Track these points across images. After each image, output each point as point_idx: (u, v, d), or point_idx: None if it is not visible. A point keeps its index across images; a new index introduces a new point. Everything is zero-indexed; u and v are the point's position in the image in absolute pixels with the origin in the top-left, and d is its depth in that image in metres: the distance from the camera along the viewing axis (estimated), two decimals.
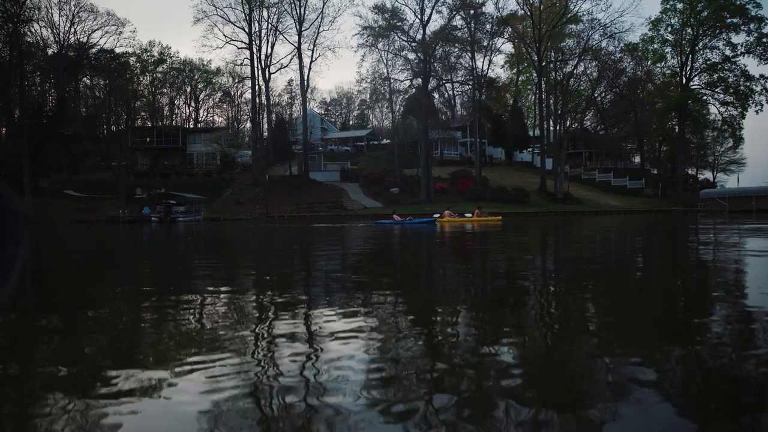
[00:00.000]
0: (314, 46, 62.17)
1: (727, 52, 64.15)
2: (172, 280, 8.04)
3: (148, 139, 66.74)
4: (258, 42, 61.87)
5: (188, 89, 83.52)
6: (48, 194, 51.87)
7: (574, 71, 60.61)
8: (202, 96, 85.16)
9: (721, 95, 66.25)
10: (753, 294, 5.66)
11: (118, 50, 70.45)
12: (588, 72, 62.44)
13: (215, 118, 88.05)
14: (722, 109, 66.98)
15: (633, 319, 4.43)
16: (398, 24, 56.93)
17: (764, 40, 61.52)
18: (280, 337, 3.80)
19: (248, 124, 75.78)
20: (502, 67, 72.67)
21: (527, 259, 10.70)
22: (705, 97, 67.80)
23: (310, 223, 34.46)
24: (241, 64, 63.97)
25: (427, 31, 57.05)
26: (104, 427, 2.26)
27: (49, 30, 67.77)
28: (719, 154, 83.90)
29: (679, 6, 64.09)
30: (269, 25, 61.99)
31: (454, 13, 56.83)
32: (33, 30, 62.95)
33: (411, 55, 58.05)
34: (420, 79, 57.08)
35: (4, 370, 3.26)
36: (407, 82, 59.85)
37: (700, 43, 64.70)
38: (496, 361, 3.18)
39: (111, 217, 47.32)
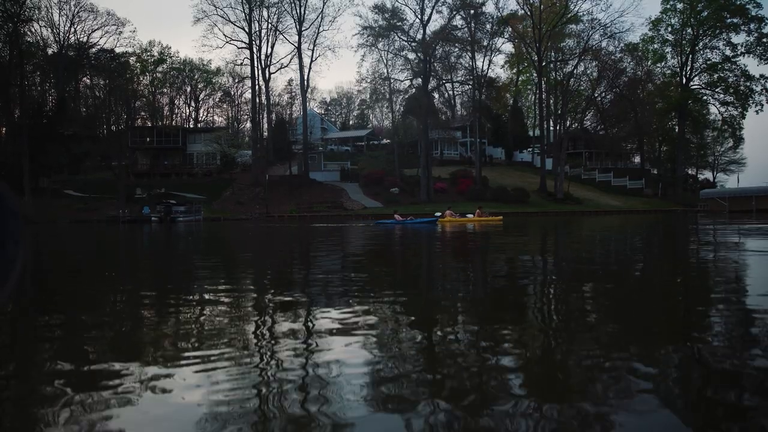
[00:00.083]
0: (314, 46, 62.26)
1: (727, 52, 64.23)
2: (171, 280, 8.04)
3: (148, 139, 66.74)
4: (258, 42, 61.94)
5: (188, 89, 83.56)
6: (48, 194, 51.88)
7: (574, 71, 60.65)
8: (202, 96, 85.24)
9: (721, 95, 66.30)
10: (753, 294, 5.65)
11: (118, 50, 70.61)
12: (588, 72, 62.50)
13: (215, 118, 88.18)
14: (722, 109, 67.07)
15: (633, 319, 4.42)
16: (398, 24, 56.93)
17: (764, 40, 61.52)
18: (281, 337, 3.80)
19: (248, 124, 75.87)
20: (502, 67, 72.81)
21: (529, 259, 10.70)
22: (705, 97, 67.84)
23: (310, 223, 34.46)
24: (241, 64, 64.06)
25: (427, 31, 57.10)
26: (104, 427, 2.26)
27: (49, 30, 67.89)
28: (719, 154, 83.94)
29: (680, 6, 64.12)
30: (269, 25, 62.06)
31: (454, 12, 56.88)
32: (33, 30, 63.09)
33: (411, 55, 58.11)
34: (420, 79, 57.07)
35: (4, 370, 3.26)
36: (407, 82, 59.92)
37: (700, 43, 64.71)
38: (496, 361, 3.18)
39: (111, 217, 47.32)
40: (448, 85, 64.85)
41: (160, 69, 78.74)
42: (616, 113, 63.77)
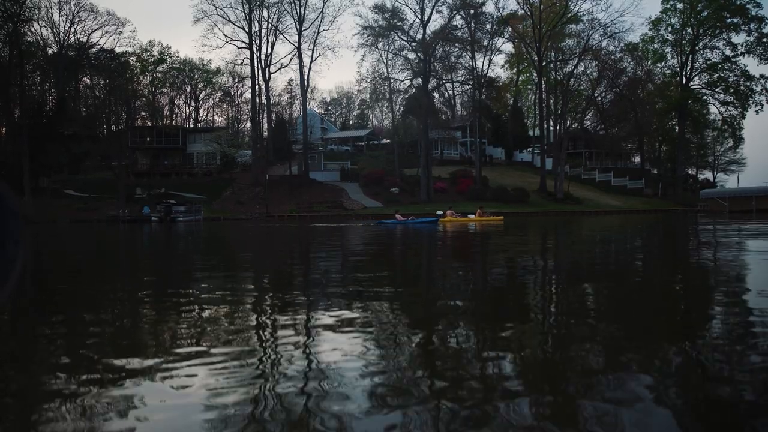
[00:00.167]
0: (314, 45, 62.25)
1: (728, 52, 64.24)
2: (171, 280, 8.03)
3: (148, 139, 66.74)
4: (258, 42, 61.94)
5: (188, 89, 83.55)
6: (48, 194, 51.88)
7: (574, 71, 60.66)
8: (202, 96, 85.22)
9: (721, 95, 66.31)
10: (754, 294, 5.65)
11: (118, 50, 70.61)
12: (588, 72, 62.51)
13: (215, 117, 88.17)
14: (722, 109, 67.09)
15: (633, 319, 4.42)
16: (398, 24, 56.94)
17: (764, 40, 61.53)
18: (281, 337, 3.80)
19: (248, 124, 75.88)
20: (502, 66, 72.82)
21: (530, 258, 10.69)
22: (705, 97, 67.86)
23: (310, 223, 34.46)
24: (241, 63, 64.05)
25: (427, 31, 57.11)
26: (104, 428, 2.26)
27: (49, 30, 67.87)
28: (719, 154, 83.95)
29: (680, 6, 64.12)
30: (269, 25, 62.06)
31: (454, 12, 56.89)
32: (33, 30, 63.07)
33: (411, 55, 58.12)
34: (420, 79, 57.08)
35: (4, 370, 3.26)
36: (407, 82, 59.93)
37: (701, 43, 64.72)
38: (496, 362, 3.18)
39: (111, 216, 47.33)
40: (448, 85, 64.92)
41: (160, 69, 78.73)
42: (616, 113, 63.78)
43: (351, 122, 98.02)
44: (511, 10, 62.63)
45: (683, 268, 8.69)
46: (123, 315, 5.09)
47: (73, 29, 69.61)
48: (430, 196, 53.80)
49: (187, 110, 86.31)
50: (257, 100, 63.45)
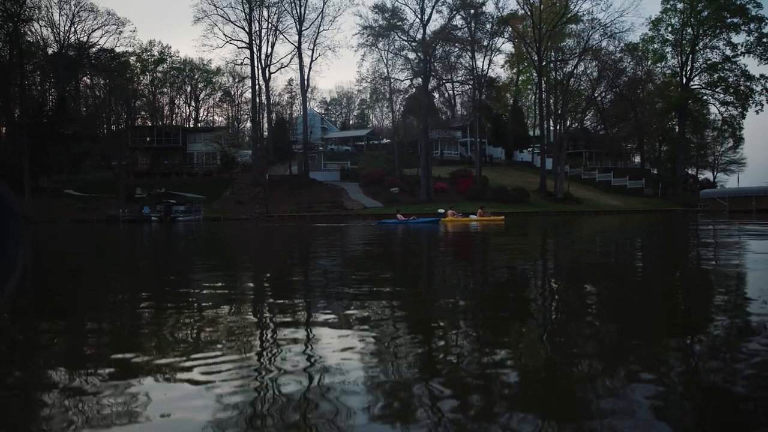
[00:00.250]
0: (314, 45, 62.28)
1: (728, 52, 64.26)
2: (171, 280, 8.03)
3: (148, 139, 66.75)
4: (258, 41, 61.97)
5: (188, 89, 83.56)
6: (48, 194, 51.88)
7: (574, 71, 60.68)
8: (202, 95, 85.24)
9: (722, 95, 66.33)
10: (754, 294, 5.65)
11: (118, 50, 70.61)
12: (588, 72, 62.54)
13: (215, 117, 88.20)
14: (722, 109, 67.12)
15: (633, 319, 4.42)
16: (398, 24, 56.96)
17: (764, 40, 61.54)
18: (281, 338, 3.80)
19: (248, 124, 75.94)
20: (502, 66, 72.85)
21: (532, 258, 10.69)
22: (705, 97, 67.88)
23: (311, 223, 34.46)
24: (242, 63, 64.08)
25: (428, 31, 57.14)
26: (105, 427, 2.26)
27: (49, 29, 67.90)
28: (719, 154, 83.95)
29: (680, 6, 64.14)
30: (269, 25, 62.08)
31: (454, 12, 56.91)
32: (33, 29, 63.10)
33: (411, 55, 58.15)
34: (420, 79, 57.09)
35: (4, 370, 3.26)
36: (407, 82, 59.96)
37: (701, 43, 64.72)
38: (496, 364, 3.18)
39: (111, 216, 47.33)
40: (448, 85, 64.95)
41: (160, 69, 78.73)
42: (616, 113, 63.80)
43: (351, 122, 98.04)
44: (511, 10, 62.76)
45: (683, 268, 8.69)
46: (123, 315, 5.09)
47: (73, 29, 69.72)
48: (430, 196, 53.81)
49: (187, 110, 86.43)
50: (257, 100, 63.50)
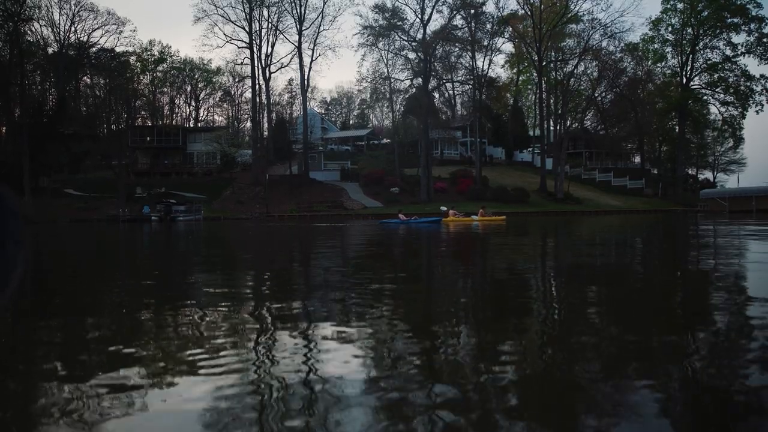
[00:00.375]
0: (314, 45, 62.31)
1: (728, 52, 64.28)
2: (171, 280, 8.03)
3: (148, 139, 66.77)
4: (258, 41, 62.00)
5: (188, 88, 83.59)
6: (48, 193, 51.89)
7: (575, 71, 60.70)
8: (202, 95, 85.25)
9: (722, 95, 66.35)
10: (754, 294, 5.65)
11: (118, 49, 70.65)
12: (588, 72, 62.56)
13: (215, 117, 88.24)
14: (722, 109, 67.15)
15: (633, 319, 4.42)
16: (399, 23, 56.98)
17: (765, 40, 61.55)
18: (281, 339, 3.80)
19: (248, 124, 75.96)
20: (503, 66, 72.88)
21: (532, 258, 10.69)
22: (705, 97, 67.91)
23: (311, 223, 34.46)
24: (242, 63, 64.09)
25: (428, 31, 57.15)
26: (104, 428, 2.26)
27: (50, 29, 67.93)
28: (719, 154, 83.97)
29: (680, 6, 64.15)
30: (270, 25, 62.11)
31: (454, 12, 56.94)
32: (33, 29, 63.13)
33: (411, 55, 58.17)
34: (420, 79, 57.10)
35: (4, 371, 3.26)
36: (407, 82, 59.98)
37: (701, 43, 64.74)
38: (496, 367, 3.18)
39: (111, 216, 47.35)
40: (449, 85, 64.97)
41: (160, 68, 78.73)
42: (616, 113, 63.84)
43: (351, 122, 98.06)
44: (512, 10, 62.78)
45: (683, 268, 8.69)
46: (123, 316, 5.09)
47: (73, 28, 69.75)
48: (430, 196, 53.82)
49: (188, 110, 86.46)
50: (257, 100, 63.53)
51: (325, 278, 7.61)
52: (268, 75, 62.99)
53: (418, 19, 57.34)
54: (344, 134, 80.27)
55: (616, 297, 5.84)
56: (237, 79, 75.26)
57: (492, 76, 64.36)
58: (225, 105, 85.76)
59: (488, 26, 58.71)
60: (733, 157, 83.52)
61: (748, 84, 64.06)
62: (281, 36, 66.73)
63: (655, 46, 67.09)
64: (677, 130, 68.29)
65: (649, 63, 67.33)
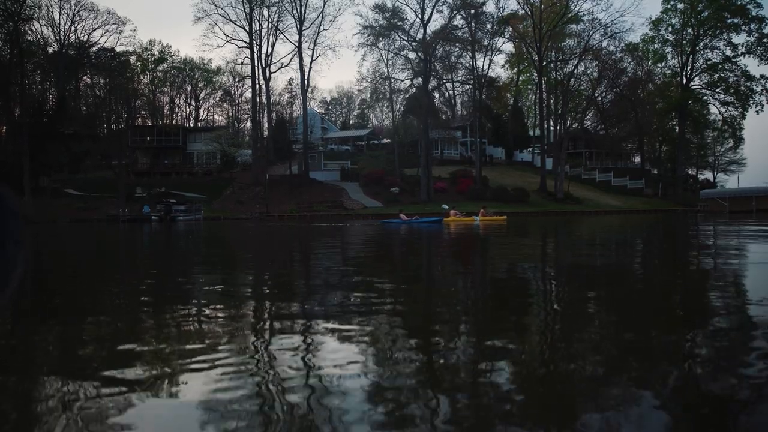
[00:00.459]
0: (315, 45, 62.32)
1: (728, 53, 64.30)
2: (171, 280, 8.03)
3: (148, 138, 66.77)
4: (258, 41, 62.01)
5: (188, 88, 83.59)
6: (48, 193, 51.90)
7: (575, 71, 60.71)
8: (202, 95, 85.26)
9: (722, 95, 66.38)
10: (754, 294, 5.65)
11: (118, 49, 70.66)
12: (588, 72, 62.58)
13: (215, 117, 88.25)
14: (722, 109, 67.17)
15: (633, 319, 4.42)
16: (399, 23, 56.99)
17: (765, 40, 61.57)
18: (281, 340, 3.80)
19: (248, 124, 75.97)
20: (503, 66, 72.89)
21: (532, 258, 10.69)
22: (705, 98, 67.92)
23: (311, 223, 34.45)
24: (242, 63, 64.11)
25: (428, 31, 57.15)
26: (104, 428, 2.26)
27: (50, 28, 67.94)
28: (719, 155, 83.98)
29: (680, 6, 64.16)
30: (270, 25, 62.13)
31: (454, 12, 56.95)
32: (33, 28, 63.15)
33: (411, 55, 58.18)
34: (420, 79, 57.11)
35: (5, 371, 3.26)
36: (407, 82, 59.99)
37: (701, 43, 64.74)
38: (495, 364, 3.18)
39: (111, 216, 47.36)
40: (449, 85, 64.99)
41: (160, 68, 78.71)
42: (616, 113, 63.87)
43: (351, 122, 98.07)
44: (512, 10, 62.80)
45: (683, 268, 8.69)
46: (123, 316, 5.09)
47: (73, 28, 69.76)
48: (431, 195, 53.82)
49: (188, 109, 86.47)
50: (257, 100, 63.54)
51: (325, 278, 7.60)
52: (268, 75, 63.07)
53: (418, 19, 57.43)
54: (344, 134, 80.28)
55: (616, 297, 5.84)
56: (237, 79, 75.38)
57: (492, 76, 64.47)
58: (225, 105, 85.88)
59: (488, 26, 58.77)
60: (733, 157, 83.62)
61: (748, 84, 64.15)
62: (281, 36, 66.80)
63: (656, 46, 67.17)
64: (677, 130, 68.30)
65: (649, 63, 67.37)
